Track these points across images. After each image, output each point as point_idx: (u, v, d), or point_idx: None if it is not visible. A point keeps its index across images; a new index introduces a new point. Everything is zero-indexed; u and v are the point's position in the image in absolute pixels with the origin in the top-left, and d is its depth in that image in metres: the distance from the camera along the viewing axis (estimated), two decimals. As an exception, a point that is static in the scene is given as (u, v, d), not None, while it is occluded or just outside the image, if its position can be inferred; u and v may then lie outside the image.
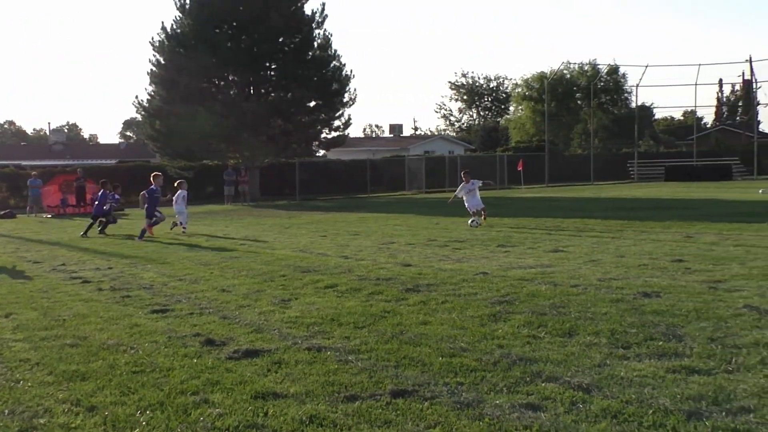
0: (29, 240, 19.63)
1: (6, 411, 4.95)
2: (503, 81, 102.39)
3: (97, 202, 21.24)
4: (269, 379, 5.51)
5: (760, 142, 59.15)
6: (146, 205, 18.93)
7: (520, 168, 38.50)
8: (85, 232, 19.75)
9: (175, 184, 20.29)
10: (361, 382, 5.36)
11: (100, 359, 6.24)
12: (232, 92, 42.39)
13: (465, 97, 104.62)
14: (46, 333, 7.36)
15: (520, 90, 77.36)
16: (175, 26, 40.98)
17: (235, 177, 38.90)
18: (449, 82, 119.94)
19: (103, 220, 20.42)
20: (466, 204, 19.36)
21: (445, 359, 5.87)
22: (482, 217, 18.89)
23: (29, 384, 5.60)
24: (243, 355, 6.20)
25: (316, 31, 42.33)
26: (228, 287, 9.92)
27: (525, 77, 76.86)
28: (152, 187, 18.93)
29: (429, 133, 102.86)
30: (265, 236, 18.02)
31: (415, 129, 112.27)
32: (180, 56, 39.67)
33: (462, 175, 20.34)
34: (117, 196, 21.75)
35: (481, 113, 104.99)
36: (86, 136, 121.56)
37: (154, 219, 18.75)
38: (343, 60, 42.95)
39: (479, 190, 19.64)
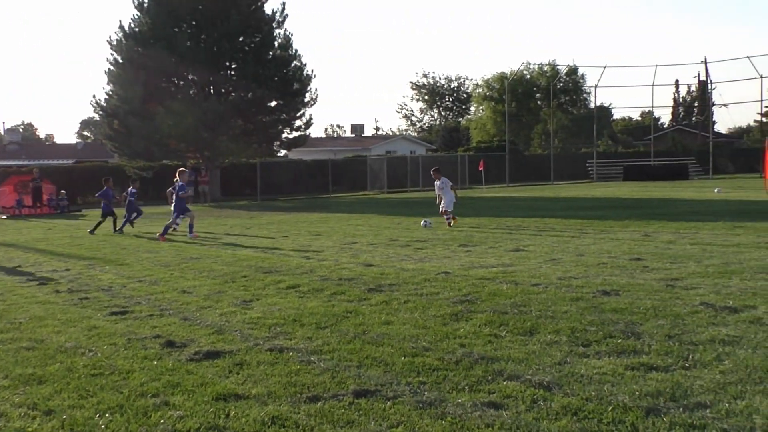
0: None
1: (-40, 416, 4.85)
2: (464, 81, 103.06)
3: (104, 201, 21.18)
4: (231, 381, 5.47)
5: (715, 142, 60.28)
6: (174, 203, 19.07)
7: (481, 168, 38.69)
8: (115, 229, 20.47)
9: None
10: (324, 383, 5.35)
11: (57, 362, 6.15)
12: (191, 92, 42.00)
13: (426, 98, 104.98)
14: (1, 336, 7.24)
15: (480, 90, 77.86)
16: (133, 25, 40.49)
17: (195, 177, 38.53)
18: (410, 82, 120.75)
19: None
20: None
21: (408, 359, 5.88)
22: (450, 220, 18.68)
23: (-16, 389, 5.49)
24: (204, 357, 6.15)
25: (277, 31, 42.19)
26: (188, 288, 9.83)
27: (485, 78, 77.47)
28: (180, 183, 18.80)
29: (390, 133, 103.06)
30: (226, 237, 17.90)
31: (377, 129, 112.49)
32: (138, 55, 39.21)
33: (432, 173, 20.14)
34: (134, 191, 21.75)
35: (443, 113, 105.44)
36: (42, 135, 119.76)
37: (180, 217, 18.84)
38: (303, 60, 42.97)
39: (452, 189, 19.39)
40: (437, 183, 19.36)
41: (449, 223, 18.47)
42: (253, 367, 5.80)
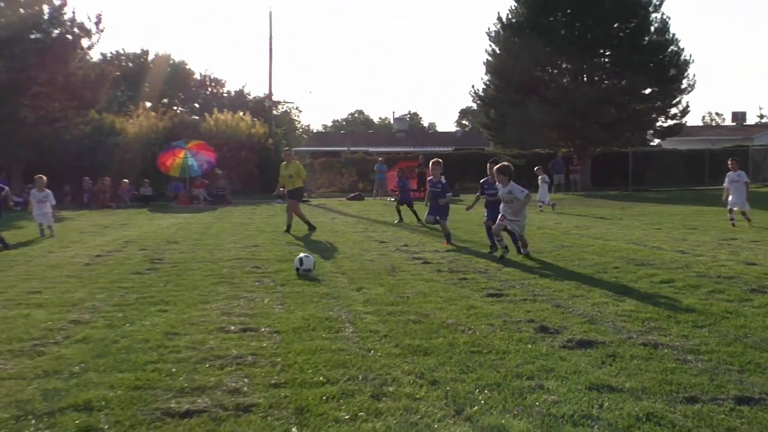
0: (375, 221, 21.23)
1: (360, 376, 5.44)
2: None
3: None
4: (603, 372, 5.49)
5: None
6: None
7: None
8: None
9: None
10: (701, 384, 5.15)
11: (440, 337, 6.61)
12: (564, 80, 42.15)
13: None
14: (392, 308, 7.94)
15: None
16: (510, 16, 41.67)
17: (566, 166, 38.49)
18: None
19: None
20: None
21: (798, 369, 5.43)
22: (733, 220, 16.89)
23: (378, 354, 6.09)
24: (577, 345, 6.23)
25: (653, 15, 40.65)
26: (561, 276, 9.96)
27: None
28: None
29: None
30: (597, 226, 17.76)
31: (761, 117, 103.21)
32: (514, 45, 40.27)
33: (729, 162, 17.81)
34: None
35: None
36: (426, 124, 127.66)
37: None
38: (681, 44, 40.82)
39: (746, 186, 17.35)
40: (732, 174, 17.32)
41: (732, 223, 16.78)
42: (626, 361, 5.76)
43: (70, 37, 38.01)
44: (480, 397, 4.98)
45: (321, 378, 5.41)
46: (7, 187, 15.84)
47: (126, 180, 36.83)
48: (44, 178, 19.32)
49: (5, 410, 4.77)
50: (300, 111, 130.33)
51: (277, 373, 5.57)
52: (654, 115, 42.05)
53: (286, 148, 20.54)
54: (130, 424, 4.53)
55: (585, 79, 41.64)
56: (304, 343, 6.43)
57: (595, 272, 10.27)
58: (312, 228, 17.65)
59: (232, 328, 7.07)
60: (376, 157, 42.75)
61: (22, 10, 36.66)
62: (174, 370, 5.64)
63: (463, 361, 5.83)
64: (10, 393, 5.12)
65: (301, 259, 10.68)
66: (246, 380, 5.38)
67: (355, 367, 5.70)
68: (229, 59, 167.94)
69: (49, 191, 19.06)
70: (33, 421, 4.58)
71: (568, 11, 40.43)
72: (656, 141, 50.22)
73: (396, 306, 8.06)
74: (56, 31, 37.50)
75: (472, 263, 11.50)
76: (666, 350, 6.02)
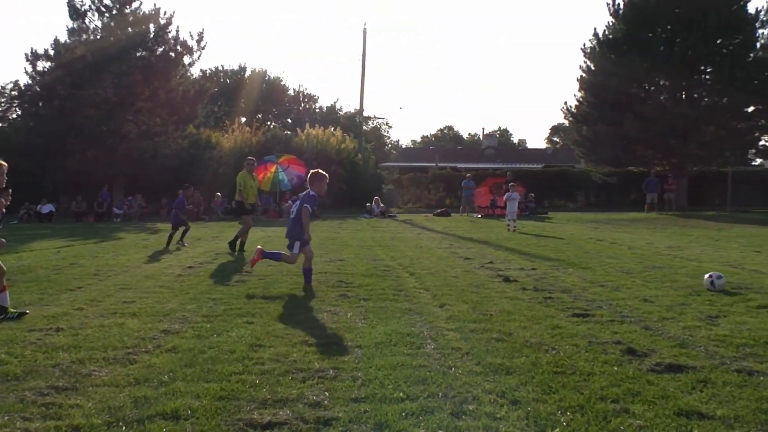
0: (461, 237, 21.11)
1: (440, 393, 5.39)
2: None
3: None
4: (694, 398, 5.27)
5: None
6: None
7: None
8: None
9: None
10: (800, 415, 4.89)
11: (523, 356, 6.48)
12: (662, 97, 41.15)
13: None
14: (474, 326, 7.84)
15: None
16: (607, 32, 40.99)
17: (661, 184, 37.57)
18: None
19: None
20: None
21: None
22: None
23: (459, 371, 6.00)
24: (665, 369, 6.01)
25: (760, 31, 39.29)
26: (650, 297, 9.66)
27: None
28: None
29: None
30: (691, 248, 17.18)
31: None
32: (610, 62, 39.56)
33: None
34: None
35: None
36: (515, 140, 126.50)
37: None
38: (790, 62, 39.31)
39: None
40: None
41: None
42: (719, 387, 5.52)
43: (173, 54, 39.43)
44: (562, 419, 4.86)
45: (401, 394, 5.37)
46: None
47: (219, 193, 37.84)
48: None
49: (98, 416, 4.89)
50: (390, 126, 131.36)
51: (358, 387, 5.56)
52: (757, 134, 40.62)
53: (250, 158, 19.12)
54: (212, 433, 4.59)
55: (684, 96, 40.54)
56: (385, 358, 6.42)
57: (688, 294, 9.92)
58: (234, 250, 16.69)
59: (315, 341, 7.11)
60: (464, 173, 42.65)
61: (130, 29, 38.26)
62: (257, 381, 5.69)
63: (546, 381, 5.70)
64: (104, 399, 5.25)
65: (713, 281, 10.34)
66: (327, 394, 5.38)
67: (436, 384, 5.64)
68: (322, 75, 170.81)
69: None
70: (123, 428, 4.67)
71: (669, 27, 39.53)
72: (758, 161, 48.46)
73: (479, 323, 7.96)
74: (160, 49, 38.96)
75: (558, 282, 11.27)
76: (762, 378, 5.75)
